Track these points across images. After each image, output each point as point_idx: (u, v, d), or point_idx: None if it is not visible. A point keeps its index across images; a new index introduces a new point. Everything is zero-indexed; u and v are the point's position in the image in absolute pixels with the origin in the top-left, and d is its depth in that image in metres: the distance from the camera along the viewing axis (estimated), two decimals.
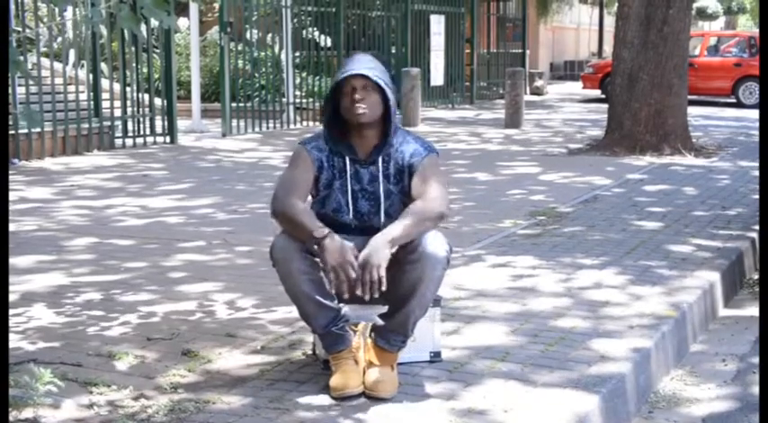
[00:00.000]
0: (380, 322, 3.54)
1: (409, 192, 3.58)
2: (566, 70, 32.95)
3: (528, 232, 6.53)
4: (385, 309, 3.55)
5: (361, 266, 3.30)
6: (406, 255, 3.40)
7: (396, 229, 3.37)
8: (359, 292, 3.31)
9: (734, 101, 20.68)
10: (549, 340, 4.13)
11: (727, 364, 4.50)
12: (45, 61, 11.90)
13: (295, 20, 15.71)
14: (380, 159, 3.59)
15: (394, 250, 3.36)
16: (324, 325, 3.49)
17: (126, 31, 12.01)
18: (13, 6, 9.97)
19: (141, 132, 12.37)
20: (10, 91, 9.99)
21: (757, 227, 6.57)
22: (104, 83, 12.29)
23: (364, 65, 3.54)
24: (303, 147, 3.65)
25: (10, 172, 9.15)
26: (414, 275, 3.39)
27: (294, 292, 3.44)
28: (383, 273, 3.30)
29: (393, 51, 18.04)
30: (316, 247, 3.34)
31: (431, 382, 3.59)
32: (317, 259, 3.40)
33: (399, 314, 3.48)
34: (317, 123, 15.01)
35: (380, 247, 3.31)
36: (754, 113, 16.15)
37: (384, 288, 3.32)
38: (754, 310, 5.33)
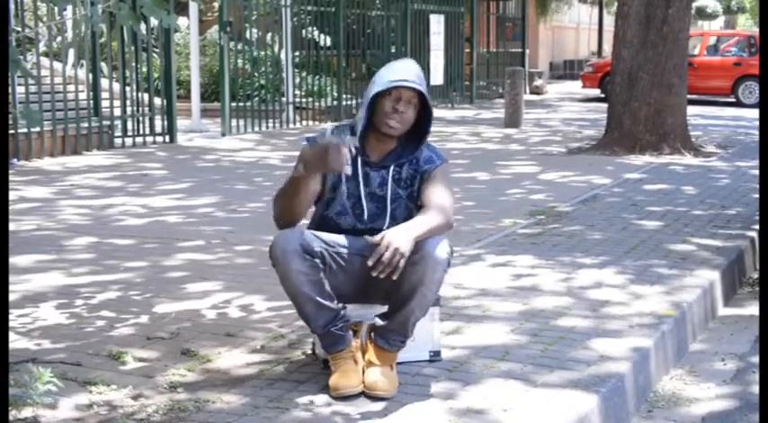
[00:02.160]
0: (380, 322, 3.55)
1: (418, 196, 3.61)
2: (565, 69, 32.95)
3: (528, 231, 6.53)
4: (384, 309, 3.56)
5: (386, 247, 3.28)
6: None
7: (419, 229, 3.39)
8: (375, 273, 3.29)
9: (733, 100, 20.69)
10: (548, 340, 4.13)
11: (727, 363, 4.50)
12: (45, 61, 11.90)
13: (294, 19, 15.70)
14: (393, 165, 3.61)
15: None
16: (323, 325, 3.49)
17: (126, 31, 12.01)
18: (12, 6, 9.96)
19: (141, 132, 12.36)
20: (10, 90, 9.98)
21: (757, 226, 6.57)
22: (104, 82, 12.29)
23: (420, 79, 3.53)
24: (305, 149, 3.62)
25: (9, 172, 9.15)
26: (415, 277, 3.39)
27: (293, 293, 3.44)
28: (403, 263, 3.31)
29: (393, 51, 18.03)
30: (303, 171, 3.37)
31: (430, 382, 3.59)
32: (317, 260, 3.42)
33: (399, 314, 3.48)
34: (317, 123, 15.01)
35: (407, 240, 3.32)
36: (754, 113, 16.15)
37: (396, 276, 3.32)
38: (753, 310, 5.33)
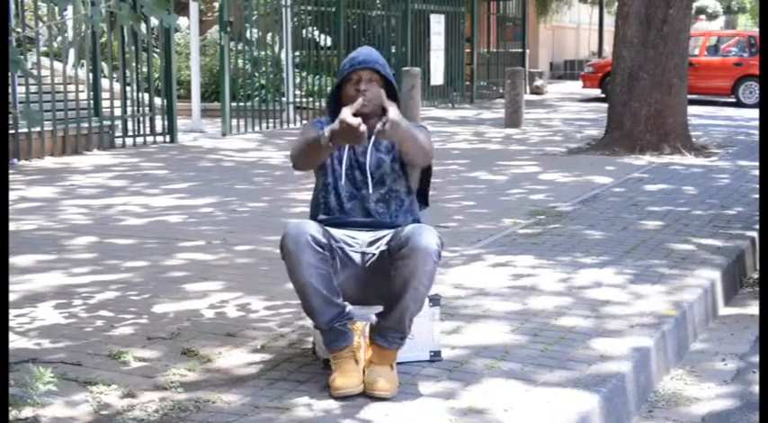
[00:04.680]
0: (377, 320, 3.55)
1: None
2: (565, 69, 32.95)
3: (528, 231, 6.53)
4: (381, 308, 3.56)
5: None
6: (396, 249, 3.43)
7: (411, 128, 3.56)
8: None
9: (734, 100, 20.68)
10: (549, 339, 4.13)
11: (728, 363, 4.50)
12: (45, 60, 11.90)
13: (295, 19, 15.70)
14: (373, 135, 3.69)
15: (388, 125, 3.44)
16: (328, 320, 3.50)
17: (126, 31, 12.02)
18: (13, 6, 9.96)
19: (141, 132, 12.37)
20: (10, 91, 9.98)
21: (757, 226, 6.57)
22: (104, 82, 12.29)
23: (374, 58, 3.70)
24: (309, 121, 3.89)
25: (10, 171, 9.14)
26: (406, 271, 3.41)
27: (301, 284, 3.45)
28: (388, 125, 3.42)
29: (393, 51, 18.03)
30: (330, 136, 3.49)
31: (431, 382, 3.59)
32: (327, 252, 3.45)
33: (395, 311, 3.49)
34: None
35: (404, 122, 3.47)
36: (754, 113, 16.15)
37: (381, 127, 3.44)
38: (754, 309, 5.33)
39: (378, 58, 3.71)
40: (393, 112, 3.42)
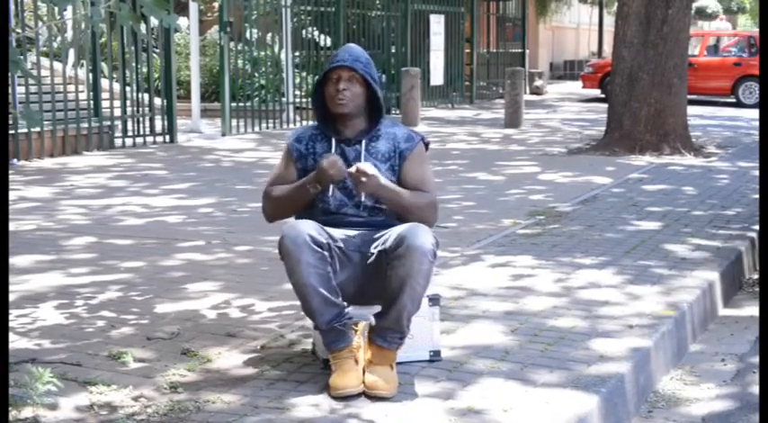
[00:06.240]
0: (376, 321, 3.55)
1: (399, 175, 3.72)
2: (565, 70, 32.94)
3: (527, 232, 6.53)
4: (379, 308, 3.57)
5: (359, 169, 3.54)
6: (392, 250, 3.44)
7: (394, 188, 3.62)
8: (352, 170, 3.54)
9: (733, 100, 20.68)
10: (548, 340, 4.13)
11: (727, 363, 4.50)
12: (45, 61, 11.90)
13: (295, 19, 15.70)
14: (365, 139, 3.72)
15: (371, 188, 3.55)
16: (327, 321, 3.50)
17: (126, 31, 12.02)
18: (13, 6, 9.96)
19: (141, 132, 12.36)
20: (10, 91, 9.97)
21: (756, 226, 6.57)
22: (104, 82, 12.28)
23: (354, 57, 3.68)
24: (287, 141, 3.91)
25: (9, 172, 9.14)
26: (402, 271, 3.42)
27: (301, 285, 3.45)
28: (363, 182, 3.53)
29: (393, 51, 18.03)
30: (317, 185, 3.59)
31: (430, 382, 3.60)
32: (326, 252, 3.46)
33: (393, 311, 3.50)
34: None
35: (379, 181, 3.55)
36: (754, 113, 16.15)
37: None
38: (753, 310, 5.33)
39: (359, 57, 3.69)
40: (363, 165, 3.52)
